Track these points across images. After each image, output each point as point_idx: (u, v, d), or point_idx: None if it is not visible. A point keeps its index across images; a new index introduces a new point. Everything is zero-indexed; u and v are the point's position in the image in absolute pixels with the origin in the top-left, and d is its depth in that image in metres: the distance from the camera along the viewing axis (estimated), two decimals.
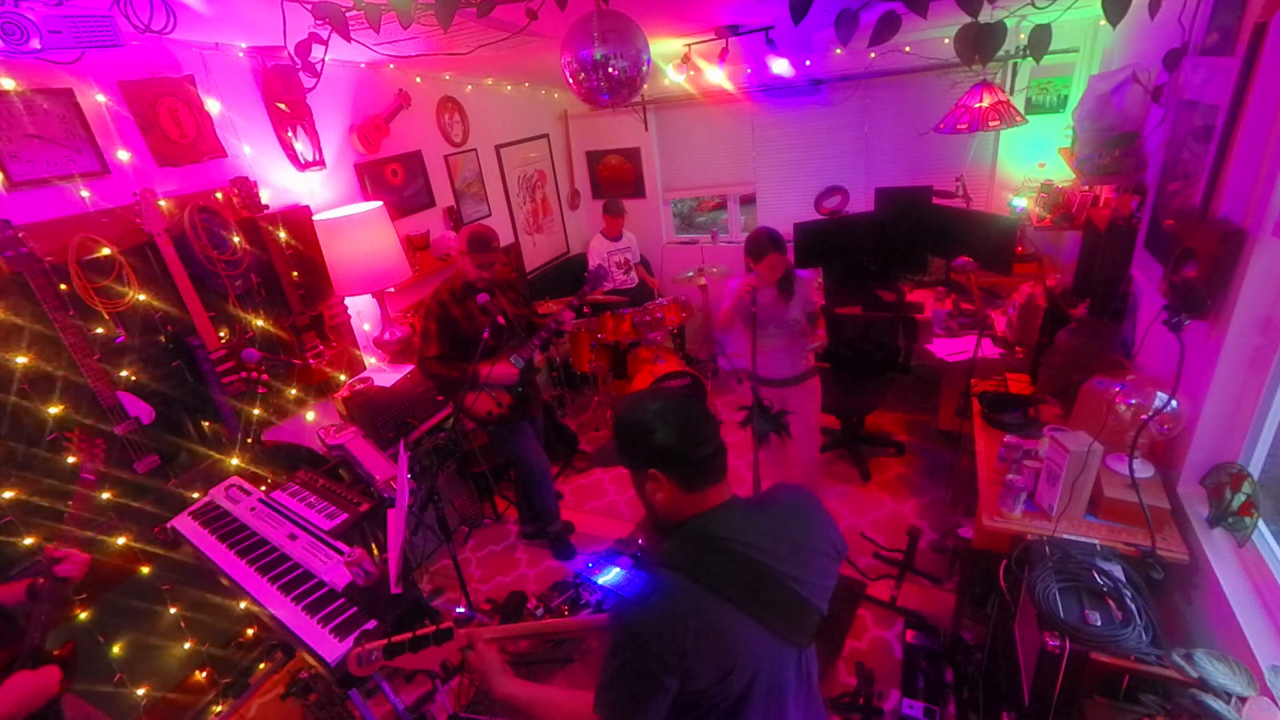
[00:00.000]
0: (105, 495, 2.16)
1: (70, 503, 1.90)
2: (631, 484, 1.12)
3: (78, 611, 2.10)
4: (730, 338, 2.80)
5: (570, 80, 2.06)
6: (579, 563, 3.15)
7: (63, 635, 1.75)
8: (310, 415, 2.95)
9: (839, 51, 3.76)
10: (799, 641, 1.06)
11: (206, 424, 2.51)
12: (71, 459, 2.01)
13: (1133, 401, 1.73)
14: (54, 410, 2.06)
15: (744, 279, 2.49)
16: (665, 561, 1.02)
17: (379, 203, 3.01)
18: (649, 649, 0.94)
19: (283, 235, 2.71)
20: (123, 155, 2.24)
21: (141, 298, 2.27)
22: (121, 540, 2.21)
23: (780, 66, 3.52)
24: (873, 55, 3.69)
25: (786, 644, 1.04)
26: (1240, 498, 1.52)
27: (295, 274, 2.77)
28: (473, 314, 2.63)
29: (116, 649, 2.23)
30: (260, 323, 2.65)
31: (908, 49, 3.60)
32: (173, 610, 2.39)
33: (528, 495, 3.20)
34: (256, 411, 2.62)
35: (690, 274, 4.30)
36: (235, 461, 2.54)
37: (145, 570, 2.30)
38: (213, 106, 2.49)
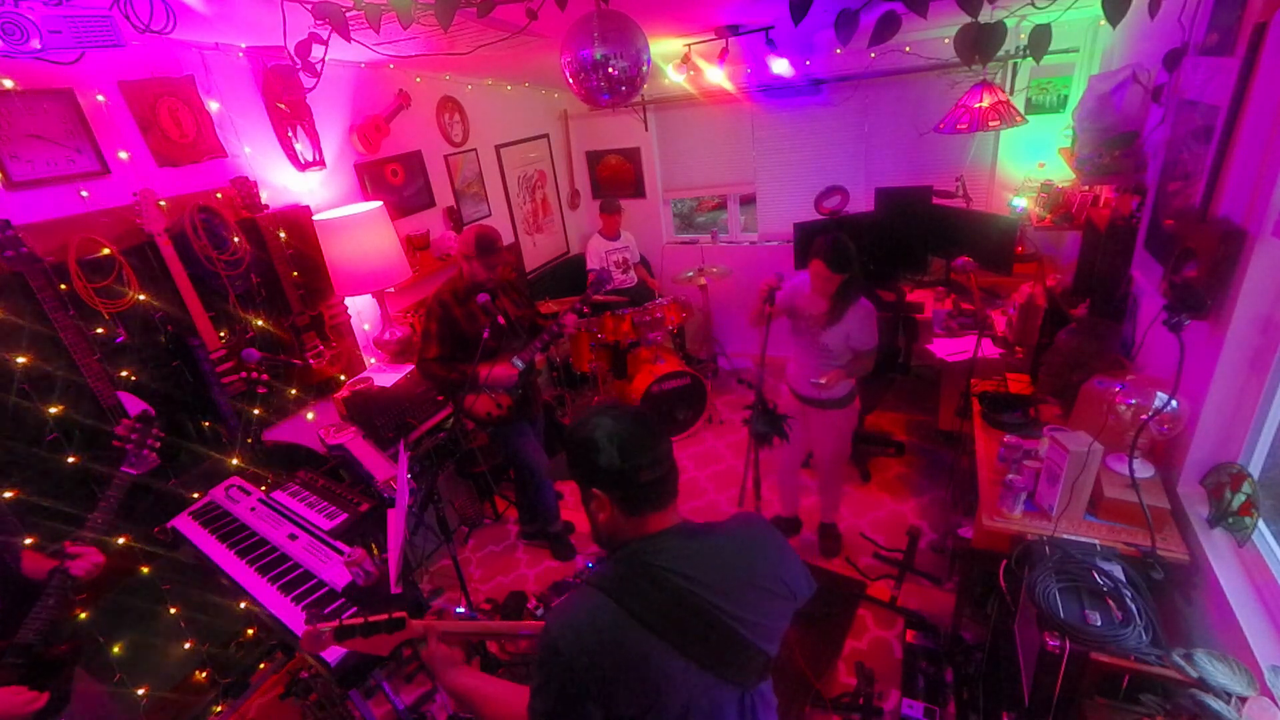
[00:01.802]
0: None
1: (106, 494, 1.81)
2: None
3: (78, 612, 2.09)
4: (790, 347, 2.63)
5: (570, 80, 2.06)
6: (579, 563, 3.15)
7: (64, 633, 1.72)
8: (310, 415, 2.95)
9: (839, 51, 3.76)
10: (737, 681, 1.01)
11: (206, 424, 2.51)
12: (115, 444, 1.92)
13: (1133, 401, 1.73)
14: (54, 410, 2.06)
15: (764, 282, 2.34)
16: (598, 583, 1.00)
17: (379, 203, 3.01)
18: (568, 670, 0.93)
19: (283, 235, 2.71)
20: (123, 155, 2.24)
21: (141, 298, 2.27)
22: (121, 540, 2.21)
23: (780, 66, 3.52)
24: (872, 55, 3.69)
25: (723, 683, 0.99)
26: (1240, 498, 1.52)
27: (295, 274, 2.77)
28: (475, 315, 2.63)
29: (116, 649, 2.23)
30: (260, 323, 2.65)
31: (907, 49, 3.60)
32: (173, 610, 2.39)
33: (528, 496, 3.20)
34: (256, 411, 2.62)
35: (690, 274, 4.30)
36: (235, 461, 2.54)
37: (145, 570, 2.30)
38: (213, 106, 2.49)
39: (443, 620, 1.27)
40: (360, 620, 1.22)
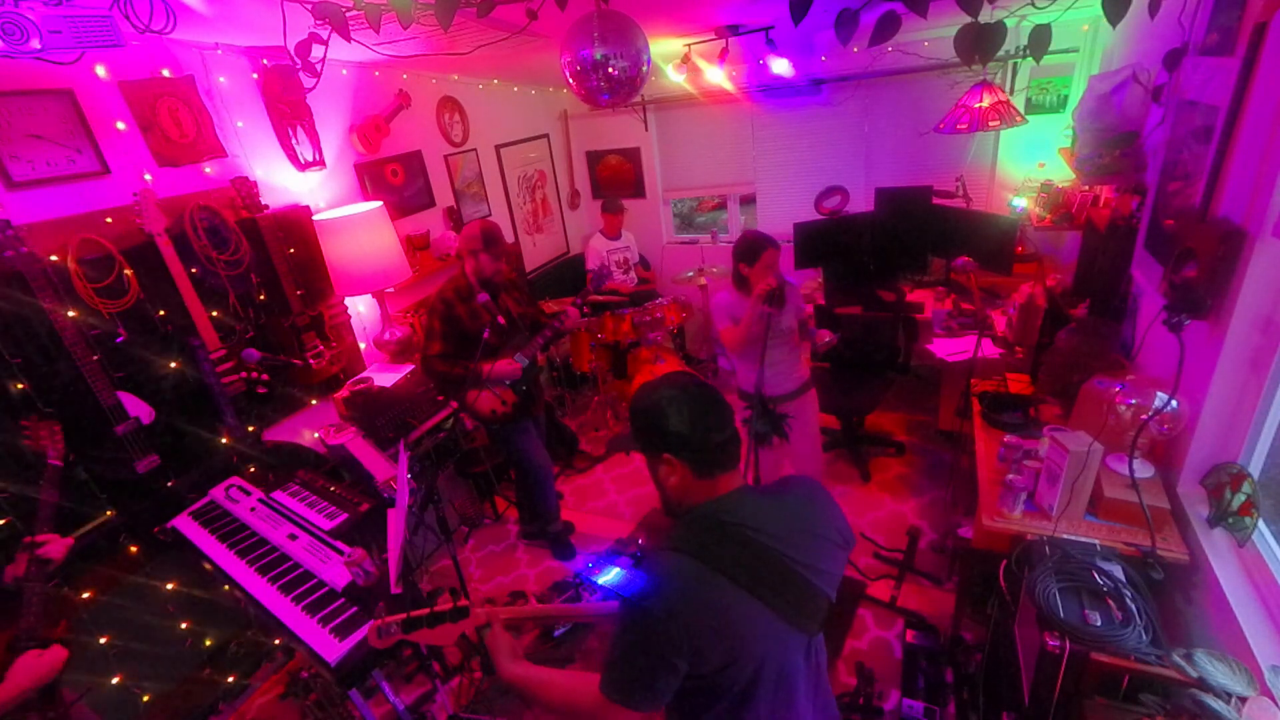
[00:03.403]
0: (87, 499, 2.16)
1: (40, 492, 1.83)
2: (646, 473, 1.15)
3: (69, 595, 2.09)
4: (739, 358, 2.64)
5: (570, 80, 2.06)
6: (579, 563, 3.15)
7: (55, 617, 1.76)
8: (310, 415, 2.95)
9: (855, 50, 3.76)
10: (808, 628, 1.07)
11: (206, 424, 2.51)
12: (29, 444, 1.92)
13: (1133, 401, 1.73)
14: (52, 411, 2.06)
15: (761, 287, 2.28)
16: (676, 545, 1.03)
17: (379, 203, 3.01)
18: (658, 629, 0.96)
19: (282, 235, 2.71)
20: (123, 155, 2.24)
21: (141, 298, 2.26)
22: (121, 539, 2.21)
23: (780, 66, 3.52)
24: (854, 50, 3.68)
25: (795, 631, 1.05)
26: (1240, 498, 1.52)
27: (295, 274, 2.77)
28: (478, 313, 2.63)
29: (116, 649, 2.23)
30: (260, 323, 2.65)
31: (890, 49, 3.59)
32: (172, 610, 2.39)
33: (529, 495, 3.19)
34: (256, 411, 2.62)
35: (690, 274, 4.30)
36: (235, 462, 2.54)
37: (145, 570, 2.30)
38: (213, 106, 2.49)
39: (506, 607, 1.29)
40: (426, 611, 1.25)
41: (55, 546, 1.73)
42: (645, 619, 0.97)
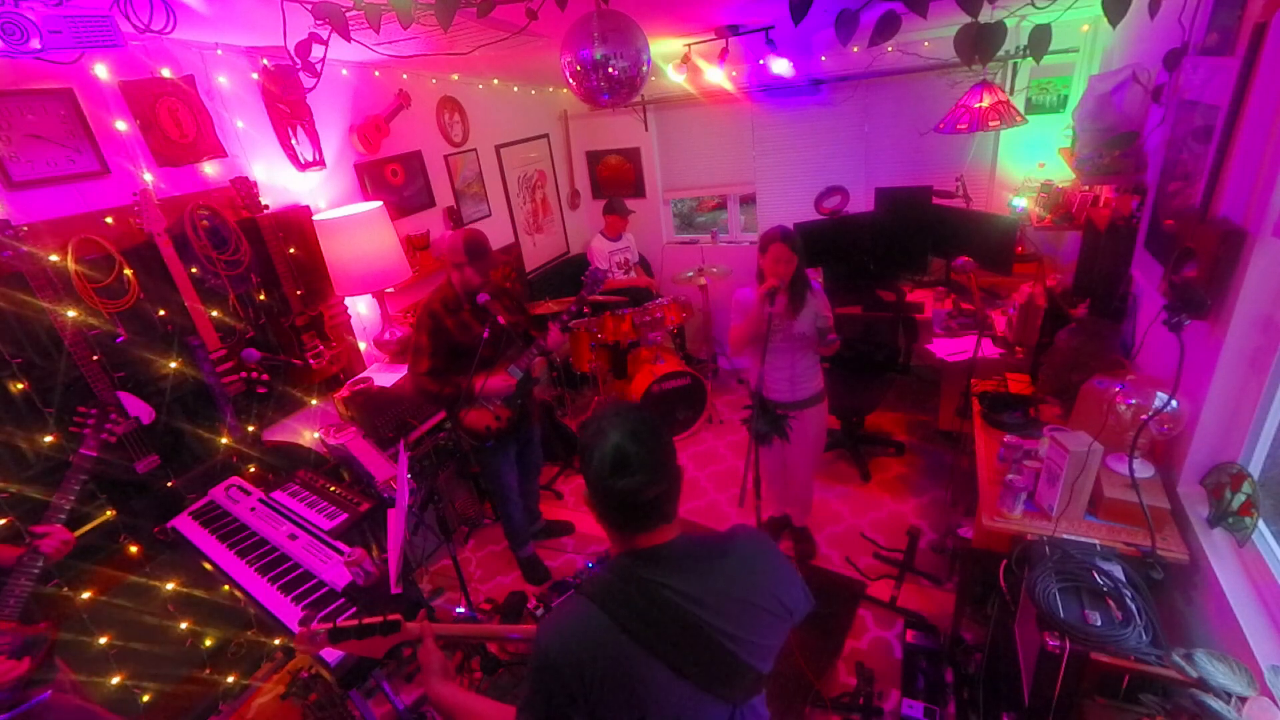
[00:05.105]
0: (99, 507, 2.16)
1: (67, 476, 1.82)
2: None
3: (69, 595, 2.09)
4: (745, 356, 2.59)
5: (570, 80, 2.06)
6: (579, 563, 3.15)
7: (40, 614, 1.74)
8: (310, 415, 2.95)
9: (855, 50, 3.76)
10: (727, 698, 1.00)
11: (206, 424, 2.51)
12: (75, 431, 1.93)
13: (1133, 401, 1.73)
14: (52, 410, 2.06)
15: (764, 284, 2.29)
16: (590, 592, 0.99)
17: (379, 203, 3.01)
18: (557, 678, 0.94)
19: (282, 235, 2.71)
20: (123, 155, 2.24)
21: (141, 298, 2.26)
22: (121, 539, 2.21)
23: (780, 66, 3.52)
24: (856, 49, 3.68)
25: (713, 699, 0.99)
26: (1240, 498, 1.52)
27: (295, 274, 2.77)
28: (467, 323, 2.53)
29: (116, 648, 2.23)
30: (260, 323, 2.65)
31: (890, 49, 3.59)
32: (172, 610, 2.39)
33: (500, 516, 3.09)
34: (256, 411, 2.62)
35: (690, 274, 4.30)
36: (235, 462, 2.54)
37: (145, 569, 2.30)
38: (213, 106, 2.49)
39: (438, 623, 1.27)
40: (355, 622, 1.22)
41: (51, 541, 1.69)
42: (545, 666, 0.95)
